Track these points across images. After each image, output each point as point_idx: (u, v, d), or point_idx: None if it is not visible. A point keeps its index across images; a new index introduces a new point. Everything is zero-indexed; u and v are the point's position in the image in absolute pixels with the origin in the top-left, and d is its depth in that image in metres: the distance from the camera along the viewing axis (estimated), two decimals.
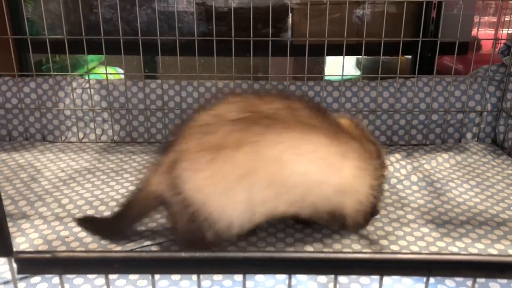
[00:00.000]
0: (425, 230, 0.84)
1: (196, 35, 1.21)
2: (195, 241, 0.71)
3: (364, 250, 0.78)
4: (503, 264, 0.44)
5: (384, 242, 0.81)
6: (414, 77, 1.22)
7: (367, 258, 0.44)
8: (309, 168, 0.69)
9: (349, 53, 1.42)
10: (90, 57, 1.91)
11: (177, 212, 0.71)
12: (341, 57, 1.21)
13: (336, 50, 1.30)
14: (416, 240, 0.81)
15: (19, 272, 0.45)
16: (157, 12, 1.23)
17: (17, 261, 0.45)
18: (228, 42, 1.19)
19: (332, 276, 0.45)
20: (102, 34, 1.18)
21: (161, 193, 0.72)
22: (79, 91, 1.23)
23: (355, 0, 1.35)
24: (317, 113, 0.72)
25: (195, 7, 1.48)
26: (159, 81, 1.23)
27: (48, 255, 0.44)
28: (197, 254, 0.45)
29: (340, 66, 1.23)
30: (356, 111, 1.22)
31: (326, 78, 1.24)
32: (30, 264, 0.45)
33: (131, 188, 0.99)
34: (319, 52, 1.23)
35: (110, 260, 0.45)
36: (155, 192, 0.73)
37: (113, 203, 0.93)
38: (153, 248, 0.79)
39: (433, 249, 0.78)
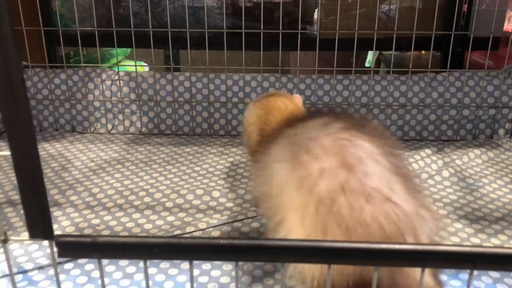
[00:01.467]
0: (458, 225, 0.82)
1: (225, 27, 1.21)
2: None
3: None
4: None
5: None
6: (445, 71, 1.20)
7: (410, 249, 0.44)
8: None
9: (378, 47, 1.41)
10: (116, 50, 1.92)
11: None
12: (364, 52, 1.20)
13: (363, 45, 1.27)
14: (450, 236, 0.79)
15: (59, 255, 0.45)
16: (186, 5, 1.23)
17: (58, 244, 0.45)
18: (255, 36, 1.18)
19: None
20: (132, 27, 1.19)
21: None
22: (108, 83, 1.24)
23: None
24: None
25: (223, 1, 1.48)
26: (187, 73, 1.23)
27: (88, 239, 0.45)
28: (235, 241, 0.45)
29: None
30: (385, 105, 1.20)
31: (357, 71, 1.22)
32: (70, 248, 0.46)
33: (160, 178, 1.00)
34: (347, 46, 1.21)
35: (149, 246, 0.45)
36: None
37: (143, 193, 0.94)
38: (195, 234, 0.79)
39: (467, 244, 0.76)
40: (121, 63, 2.02)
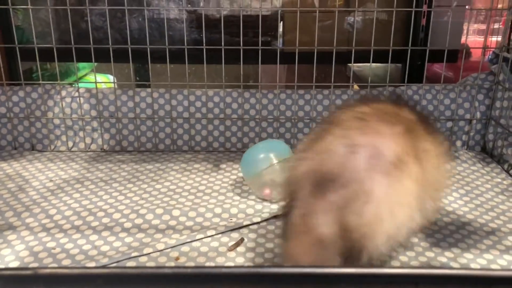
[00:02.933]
0: (413, 239, 0.84)
1: (186, 43, 1.21)
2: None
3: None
4: (490, 278, 0.44)
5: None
6: (403, 85, 1.22)
7: (352, 272, 0.44)
8: None
9: (340, 61, 1.43)
10: (82, 64, 1.90)
11: None
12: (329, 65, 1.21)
13: (326, 58, 1.29)
14: (405, 250, 0.80)
15: None
16: (146, 21, 1.23)
17: None
18: (219, 50, 1.19)
19: None
20: (91, 43, 1.18)
21: None
22: (68, 100, 1.22)
23: (345, 10, 1.35)
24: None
25: (185, 15, 1.48)
26: (149, 89, 1.22)
27: (29, 272, 0.44)
28: (180, 270, 0.45)
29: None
30: None
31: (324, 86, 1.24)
32: (11, 281, 0.45)
33: (120, 197, 0.98)
34: (309, 60, 1.23)
35: (93, 276, 0.44)
36: None
37: (101, 214, 0.92)
38: (140, 259, 0.78)
39: (422, 259, 0.78)
40: (87, 77, 1.99)
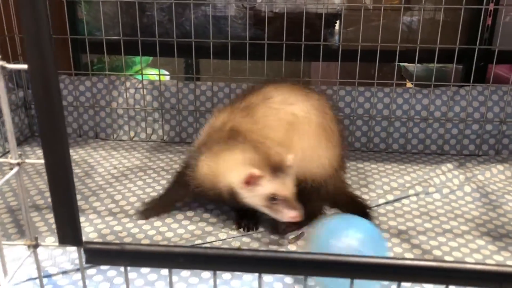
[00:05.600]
0: (481, 242, 0.81)
1: (248, 38, 1.22)
2: None
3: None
4: None
5: (437, 252, 0.79)
6: (468, 85, 1.19)
7: (433, 266, 0.44)
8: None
9: (400, 60, 1.40)
10: (138, 59, 1.95)
11: None
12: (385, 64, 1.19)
13: (385, 56, 1.27)
14: (472, 252, 0.78)
15: (87, 262, 0.46)
16: (211, 17, 1.25)
17: (86, 251, 0.46)
18: (277, 46, 1.19)
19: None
20: (157, 36, 1.21)
21: None
22: (132, 91, 1.26)
23: (407, 6, 1.32)
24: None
25: (247, 12, 1.49)
26: (209, 83, 1.25)
27: (116, 247, 0.46)
28: (260, 253, 0.46)
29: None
30: (407, 119, 1.20)
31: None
32: (98, 255, 0.47)
33: None
34: (368, 58, 1.21)
35: (175, 255, 0.46)
36: None
37: None
38: (216, 244, 0.80)
39: (490, 262, 0.75)
40: (143, 71, 2.05)
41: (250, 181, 0.75)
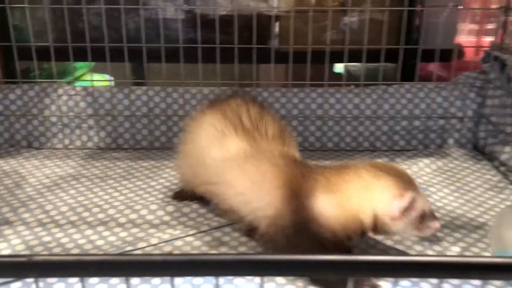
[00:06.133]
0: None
1: (181, 42, 1.22)
2: None
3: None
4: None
5: (362, 245, 0.82)
6: (396, 83, 1.24)
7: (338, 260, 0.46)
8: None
9: (334, 60, 1.44)
10: (80, 64, 1.91)
11: None
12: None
13: (320, 58, 1.30)
14: (395, 244, 0.82)
15: None
16: (142, 20, 1.24)
17: None
18: (214, 49, 1.20)
19: None
20: (88, 42, 1.19)
21: None
22: (65, 98, 1.24)
23: (340, 9, 1.36)
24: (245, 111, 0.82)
25: (182, 15, 1.49)
26: (144, 87, 1.24)
27: (23, 259, 0.45)
28: (170, 257, 0.46)
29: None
30: (339, 117, 1.23)
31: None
32: (5, 269, 0.46)
33: (115, 194, 1.00)
34: (304, 59, 1.24)
35: (85, 263, 0.45)
36: None
37: (97, 209, 0.94)
38: (134, 253, 0.79)
39: (411, 253, 0.79)
40: (85, 77, 2.00)
41: (409, 206, 0.66)
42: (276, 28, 1.61)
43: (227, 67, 1.27)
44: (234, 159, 0.77)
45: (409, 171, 1.07)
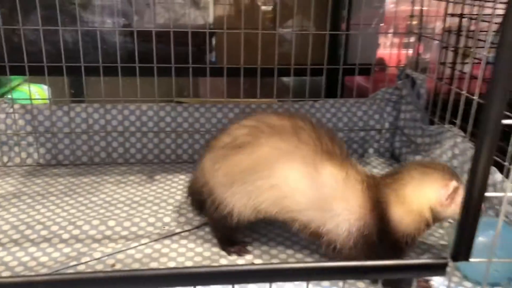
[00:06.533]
0: None
1: (119, 58, 1.27)
2: (220, 224, 0.90)
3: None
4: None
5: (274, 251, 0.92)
6: (321, 99, 1.36)
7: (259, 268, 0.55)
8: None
9: (265, 75, 1.54)
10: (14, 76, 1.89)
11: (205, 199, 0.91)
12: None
13: (254, 72, 1.38)
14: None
15: None
16: (80, 39, 1.26)
17: None
18: (151, 62, 1.26)
19: None
20: (25, 59, 1.21)
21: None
22: (2, 115, 1.25)
23: (269, 32, 1.44)
24: (314, 132, 0.84)
25: (119, 30, 1.53)
26: (84, 105, 1.28)
27: None
28: (116, 273, 0.53)
29: None
30: None
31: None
32: None
33: (57, 210, 1.04)
34: (238, 73, 1.32)
35: (34, 284, 0.51)
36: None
37: (39, 226, 0.97)
38: (78, 268, 0.85)
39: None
40: (20, 88, 1.98)
41: (454, 193, 0.77)
42: (213, 41, 1.69)
43: (166, 79, 1.33)
44: (334, 186, 0.81)
45: None
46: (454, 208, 0.78)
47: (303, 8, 1.48)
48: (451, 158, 1.08)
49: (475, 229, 0.55)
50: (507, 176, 0.90)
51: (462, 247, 0.56)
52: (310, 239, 0.88)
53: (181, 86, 1.56)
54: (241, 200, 0.84)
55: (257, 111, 0.92)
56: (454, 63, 1.41)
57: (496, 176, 0.90)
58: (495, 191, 0.90)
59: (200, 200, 0.97)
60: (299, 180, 0.81)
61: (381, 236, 0.80)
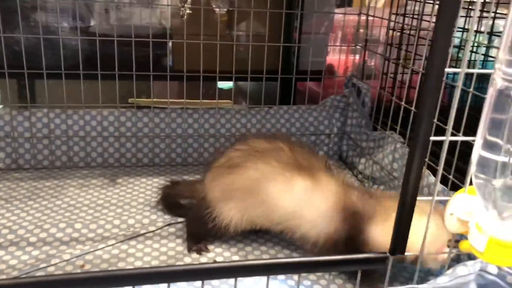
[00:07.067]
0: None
1: (81, 68, 1.30)
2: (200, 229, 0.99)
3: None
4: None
5: (246, 246, 1.00)
6: (276, 106, 1.45)
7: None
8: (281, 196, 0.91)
9: (224, 79, 1.61)
10: None
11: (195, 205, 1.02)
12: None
13: (213, 76, 1.44)
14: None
15: None
16: (42, 47, 1.28)
17: None
18: (114, 67, 1.29)
19: None
20: None
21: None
22: None
23: (227, 43, 1.50)
24: (291, 151, 0.94)
25: (79, 34, 1.55)
26: (45, 110, 1.30)
27: None
28: (86, 275, 0.59)
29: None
30: (230, 136, 1.40)
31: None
32: None
33: (22, 214, 1.07)
34: (198, 77, 1.38)
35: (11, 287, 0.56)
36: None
37: (6, 230, 1.00)
38: (49, 269, 0.89)
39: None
40: None
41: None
42: (171, 44, 1.73)
43: (127, 82, 1.38)
44: (303, 197, 0.90)
45: None
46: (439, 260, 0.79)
47: (258, 17, 1.56)
48: (391, 161, 1.20)
49: (409, 227, 0.65)
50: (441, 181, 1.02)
51: (399, 243, 0.67)
52: (300, 244, 0.97)
53: (138, 89, 1.59)
54: (237, 214, 0.94)
55: (248, 137, 1.03)
56: (395, 73, 1.54)
57: (430, 178, 1.02)
58: (429, 192, 1.02)
59: (172, 204, 1.12)
60: (278, 195, 0.91)
61: (348, 244, 0.87)
